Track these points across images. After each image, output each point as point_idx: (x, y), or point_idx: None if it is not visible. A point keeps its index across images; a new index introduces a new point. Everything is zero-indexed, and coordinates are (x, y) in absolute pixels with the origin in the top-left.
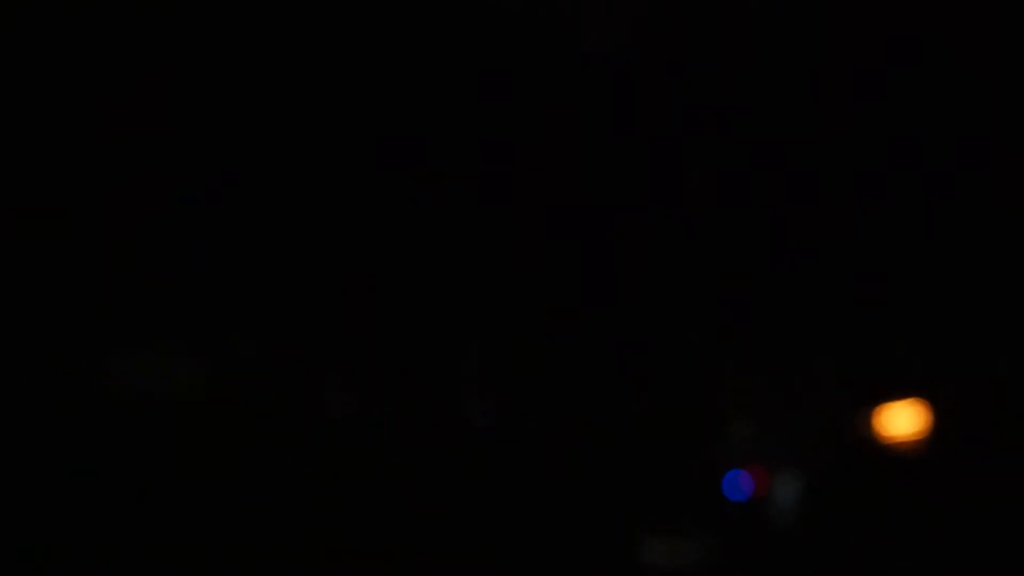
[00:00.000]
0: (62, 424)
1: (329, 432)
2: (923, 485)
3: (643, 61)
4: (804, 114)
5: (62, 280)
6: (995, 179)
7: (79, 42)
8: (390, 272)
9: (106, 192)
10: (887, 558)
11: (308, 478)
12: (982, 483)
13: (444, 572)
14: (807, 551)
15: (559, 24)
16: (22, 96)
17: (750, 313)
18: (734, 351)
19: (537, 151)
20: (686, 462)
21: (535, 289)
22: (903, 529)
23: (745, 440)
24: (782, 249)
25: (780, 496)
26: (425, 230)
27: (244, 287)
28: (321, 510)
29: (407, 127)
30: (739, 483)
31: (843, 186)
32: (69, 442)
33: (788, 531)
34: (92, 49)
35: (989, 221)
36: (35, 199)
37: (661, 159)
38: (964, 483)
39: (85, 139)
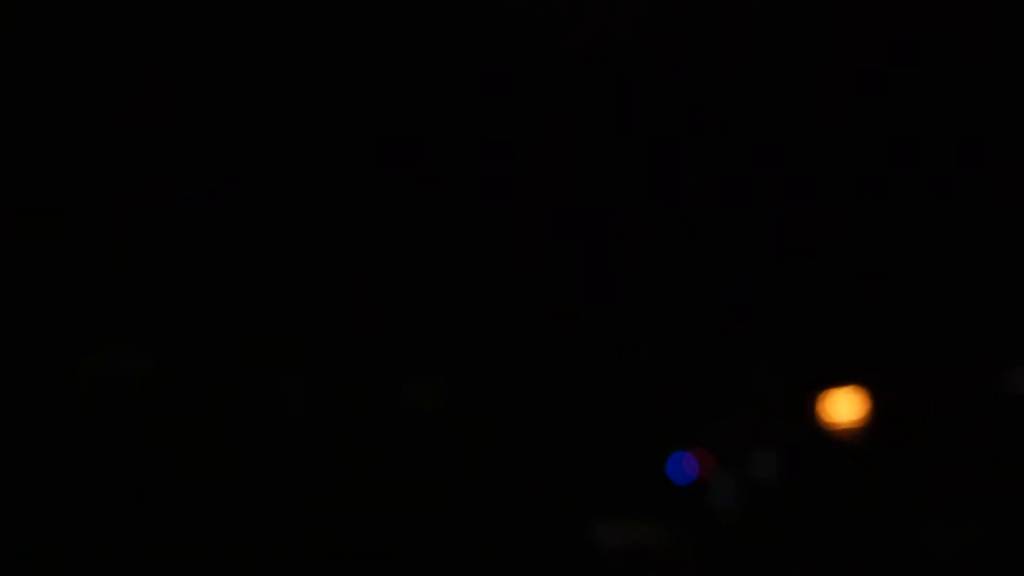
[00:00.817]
0: (21, 416)
1: (282, 423)
2: (864, 468)
3: (643, 61)
4: (784, 118)
5: (19, 277)
6: (931, 180)
7: (79, 42)
8: (344, 264)
9: (65, 193)
10: (833, 537)
11: (261, 467)
12: (921, 468)
13: (399, 557)
14: (754, 532)
15: (559, 23)
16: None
17: (699, 304)
18: (683, 341)
19: (524, 149)
20: (638, 447)
21: (495, 280)
22: (847, 510)
23: (695, 426)
24: (732, 243)
25: (727, 480)
26: (395, 227)
27: (199, 282)
28: (274, 499)
29: (402, 126)
30: (683, 466)
31: (789, 187)
32: (28, 434)
33: (735, 513)
34: (92, 49)
35: (930, 219)
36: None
37: (640, 159)
38: (903, 467)
39: (63, 139)
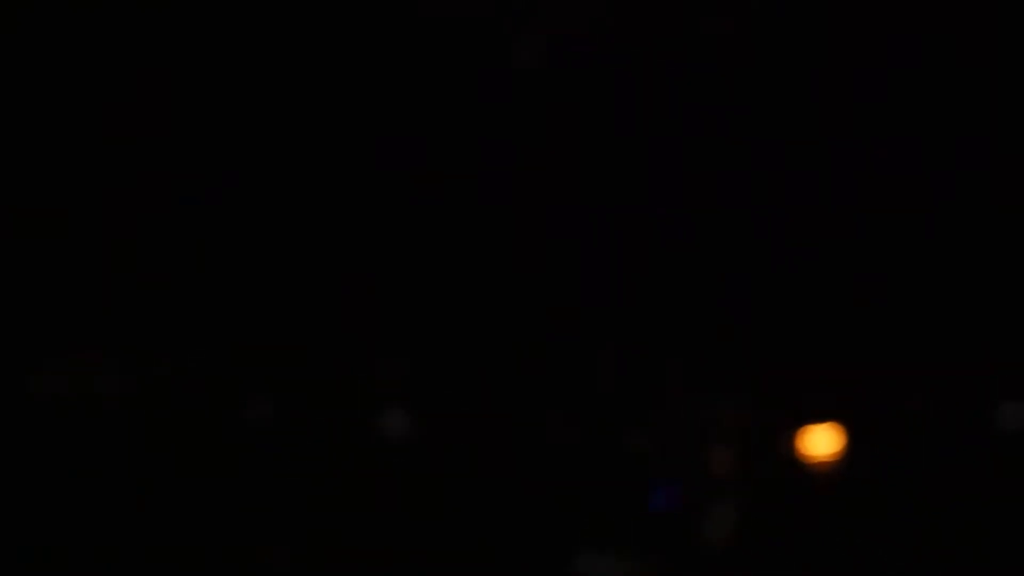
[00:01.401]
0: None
1: (252, 442)
2: (841, 503)
3: (643, 66)
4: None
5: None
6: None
7: (79, 42)
8: (341, 265)
9: (35, 198)
10: (816, 570)
11: (232, 487)
12: (897, 501)
13: None
14: (733, 566)
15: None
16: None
17: (678, 335)
18: (662, 372)
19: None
20: (617, 477)
21: (465, 298)
22: (825, 544)
23: (670, 457)
24: (714, 270)
25: (708, 512)
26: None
27: (174, 294)
28: (242, 519)
29: (401, 130)
30: (663, 498)
31: (760, 215)
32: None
33: (714, 546)
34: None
35: (915, 249)
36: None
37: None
38: (880, 501)
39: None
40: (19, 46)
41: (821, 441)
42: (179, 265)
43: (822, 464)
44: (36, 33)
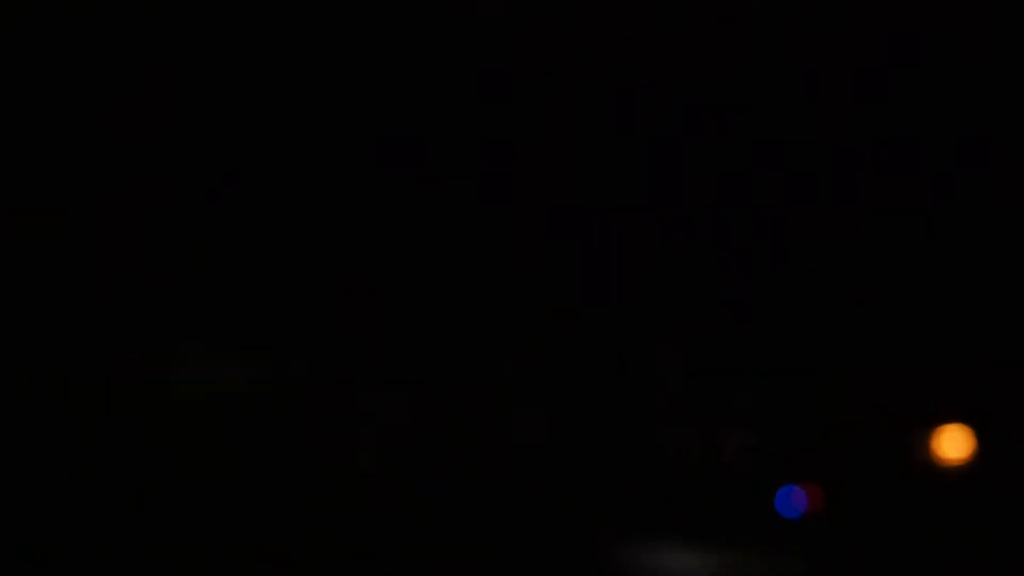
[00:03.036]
0: (118, 423)
1: (372, 440)
2: (973, 506)
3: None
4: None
5: (119, 282)
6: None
7: (79, 42)
8: (437, 282)
9: (165, 198)
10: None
11: (348, 483)
12: None
13: None
14: (859, 568)
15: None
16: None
17: (808, 336)
18: (790, 374)
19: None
20: (736, 477)
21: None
22: (952, 549)
23: (796, 456)
24: (838, 274)
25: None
26: (464, 242)
27: (296, 292)
28: (357, 514)
29: (409, 131)
30: (792, 499)
31: (890, 213)
32: (123, 441)
33: (839, 547)
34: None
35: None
36: (94, 202)
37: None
38: (1013, 506)
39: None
40: (19, 46)
41: (953, 443)
42: (317, 265)
43: (953, 466)
44: (36, 33)
